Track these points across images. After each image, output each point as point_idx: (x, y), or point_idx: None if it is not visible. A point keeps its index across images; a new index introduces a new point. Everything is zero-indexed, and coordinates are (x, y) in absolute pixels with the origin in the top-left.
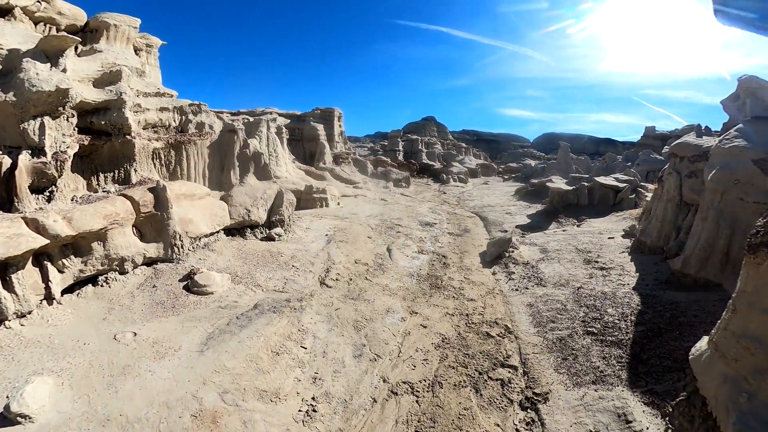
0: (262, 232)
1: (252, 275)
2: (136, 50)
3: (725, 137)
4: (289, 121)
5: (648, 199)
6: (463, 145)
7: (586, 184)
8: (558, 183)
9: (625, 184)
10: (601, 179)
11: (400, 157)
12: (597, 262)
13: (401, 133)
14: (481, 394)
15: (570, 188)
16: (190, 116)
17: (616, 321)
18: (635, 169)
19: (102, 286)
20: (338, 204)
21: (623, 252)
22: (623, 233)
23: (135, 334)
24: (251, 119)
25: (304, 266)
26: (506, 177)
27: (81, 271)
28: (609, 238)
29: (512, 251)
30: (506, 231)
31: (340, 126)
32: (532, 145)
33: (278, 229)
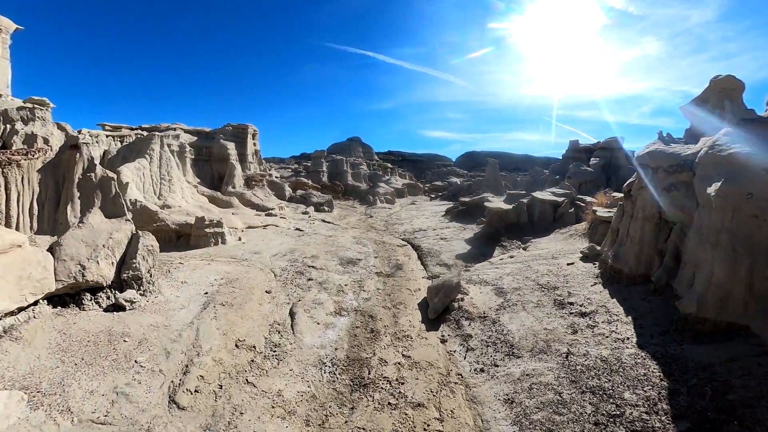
0: (109, 298)
1: (65, 388)
2: None
3: (716, 143)
4: (196, 138)
5: (596, 211)
6: (389, 165)
7: (524, 201)
8: (496, 202)
9: (563, 198)
10: (539, 194)
11: (324, 179)
12: (571, 304)
13: (325, 153)
14: None
15: (509, 207)
16: (19, 125)
17: (645, 416)
18: (568, 182)
19: None
20: (239, 239)
21: (595, 283)
22: (581, 255)
23: None
24: (145, 134)
25: (154, 360)
26: (433, 196)
27: None
28: (568, 264)
29: (461, 299)
30: (445, 264)
31: (254, 144)
32: (454, 164)
33: (131, 292)
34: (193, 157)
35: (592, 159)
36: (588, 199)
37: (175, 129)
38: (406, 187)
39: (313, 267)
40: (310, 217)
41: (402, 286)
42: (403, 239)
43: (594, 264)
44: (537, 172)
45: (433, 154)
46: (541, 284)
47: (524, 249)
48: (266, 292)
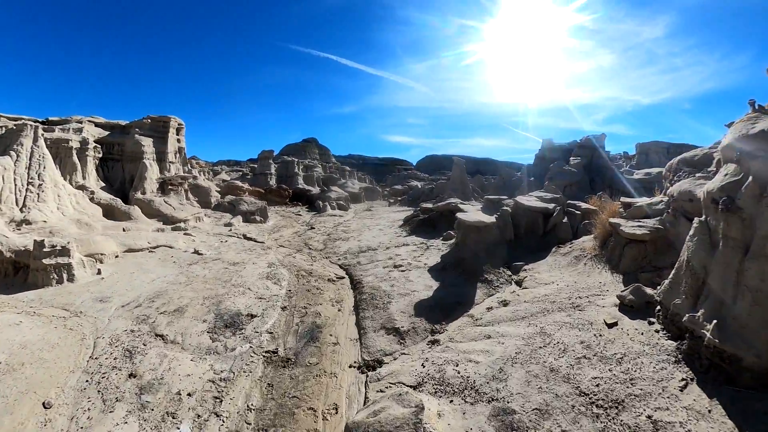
0: None
1: None
2: None
3: None
4: (108, 133)
5: (619, 226)
6: (347, 168)
7: (508, 209)
8: (471, 211)
9: (553, 205)
10: (524, 200)
11: (272, 182)
12: None
13: (273, 153)
14: None
15: (492, 219)
16: None
17: None
18: (552, 185)
19: None
20: (98, 272)
21: (684, 383)
22: (618, 302)
23: None
24: (6, 128)
25: None
26: (392, 201)
27: None
28: (609, 324)
29: None
30: (395, 329)
31: (178, 141)
32: (415, 167)
33: None
34: (100, 155)
35: (572, 158)
36: (583, 205)
37: (80, 121)
38: (363, 191)
39: (161, 337)
40: (231, 230)
41: (302, 399)
42: (342, 266)
43: (650, 323)
44: (508, 174)
45: (394, 158)
46: (585, 392)
47: (519, 285)
48: (43, 405)
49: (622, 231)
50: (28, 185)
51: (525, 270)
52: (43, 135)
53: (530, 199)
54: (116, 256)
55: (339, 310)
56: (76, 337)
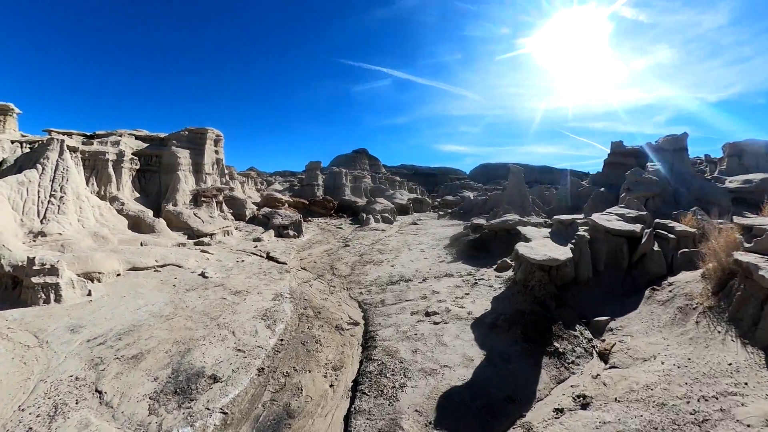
0: None
1: None
2: None
3: None
4: (146, 146)
5: (757, 271)
6: (398, 179)
7: (586, 235)
8: (536, 241)
9: (640, 226)
10: (603, 220)
11: (319, 193)
12: None
13: (320, 164)
14: None
15: (566, 254)
16: None
17: None
18: (635, 198)
19: None
20: (89, 293)
21: None
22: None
23: None
24: (40, 143)
25: None
26: (441, 213)
27: None
28: None
29: None
30: None
31: (216, 153)
32: (468, 176)
33: None
34: (137, 167)
35: (650, 164)
36: (677, 226)
37: (121, 134)
38: (411, 203)
39: (99, 393)
40: (257, 246)
41: None
42: (362, 303)
43: None
44: (573, 184)
45: (447, 167)
46: None
47: (605, 359)
48: None
49: (763, 278)
50: (50, 197)
51: (611, 330)
52: (79, 148)
53: (611, 219)
54: (117, 275)
55: (331, 386)
56: (23, 376)
